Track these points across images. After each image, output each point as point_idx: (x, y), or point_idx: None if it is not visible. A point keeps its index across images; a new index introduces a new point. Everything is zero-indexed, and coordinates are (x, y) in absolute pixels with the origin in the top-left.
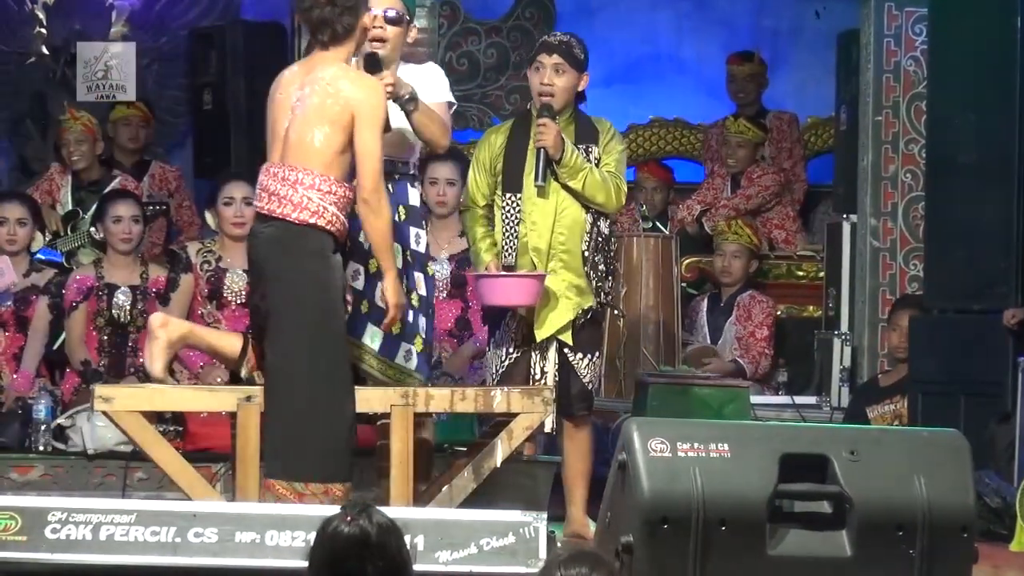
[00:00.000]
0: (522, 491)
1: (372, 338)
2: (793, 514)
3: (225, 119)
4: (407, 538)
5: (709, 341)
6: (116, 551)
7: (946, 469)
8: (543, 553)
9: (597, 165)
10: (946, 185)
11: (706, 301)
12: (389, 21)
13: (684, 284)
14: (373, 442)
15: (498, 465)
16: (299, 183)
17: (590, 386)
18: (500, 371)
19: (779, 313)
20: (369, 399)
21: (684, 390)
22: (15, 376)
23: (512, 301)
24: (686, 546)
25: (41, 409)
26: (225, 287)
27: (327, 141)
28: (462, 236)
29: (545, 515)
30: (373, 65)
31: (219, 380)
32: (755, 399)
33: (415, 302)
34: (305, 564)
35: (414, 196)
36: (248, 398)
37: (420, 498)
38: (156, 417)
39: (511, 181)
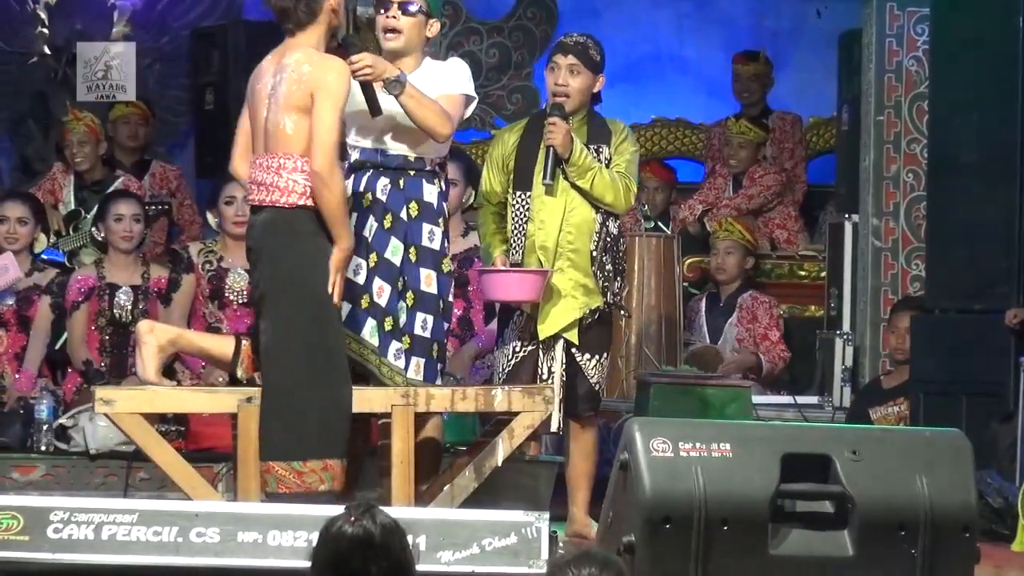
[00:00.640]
0: (524, 491)
1: (371, 334)
2: (795, 514)
3: (227, 119)
4: (409, 538)
5: (709, 341)
6: (118, 551)
7: (948, 469)
8: (545, 553)
9: (608, 165)
10: (948, 185)
11: (704, 301)
12: (403, 12)
13: (686, 284)
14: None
15: (499, 464)
16: (282, 168)
17: (597, 387)
18: (507, 369)
19: (781, 313)
20: (370, 399)
21: (686, 390)
22: (17, 376)
23: (514, 296)
24: (688, 546)
25: (43, 409)
26: (227, 287)
27: (297, 127)
28: (465, 235)
29: (547, 515)
30: (348, 46)
31: (221, 380)
32: (757, 399)
33: (410, 300)
34: (308, 564)
35: (430, 192)
36: (249, 399)
37: (422, 498)
38: (158, 417)
39: (522, 179)
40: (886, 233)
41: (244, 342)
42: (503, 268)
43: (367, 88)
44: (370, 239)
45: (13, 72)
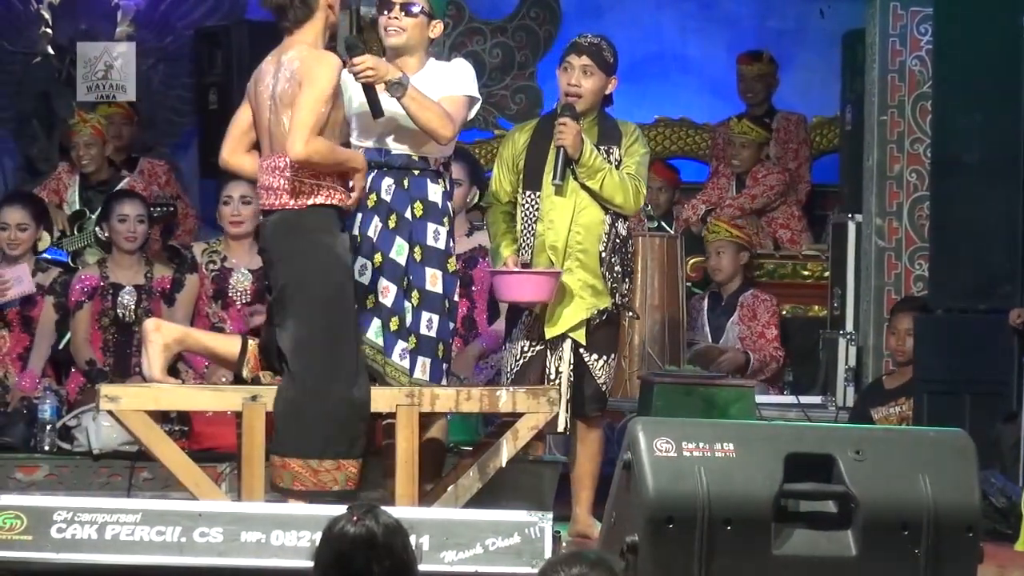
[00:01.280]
0: (527, 491)
1: (377, 334)
2: (798, 514)
3: (231, 119)
4: (412, 538)
5: (711, 340)
6: (121, 551)
7: (951, 469)
8: (548, 553)
9: (618, 167)
10: (951, 185)
11: (706, 300)
12: (406, 12)
13: (689, 284)
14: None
15: (503, 465)
16: (288, 167)
17: (604, 387)
18: (515, 369)
19: (784, 313)
20: (375, 399)
21: (689, 390)
22: (21, 376)
23: (526, 297)
24: (691, 546)
25: (46, 409)
26: (230, 287)
27: None
28: (470, 235)
29: (550, 515)
30: (350, 48)
31: (224, 380)
32: (760, 399)
33: (415, 300)
34: (311, 564)
35: (434, 192)
36: (253, 398)
37: (426, 498)
38: (161, 417)
39: (531, 179)
40: (889, 233)
41: (250, 342)
42: (515, 269)
43: (369, 90)
44: (375, 239)
45: (17, 72)
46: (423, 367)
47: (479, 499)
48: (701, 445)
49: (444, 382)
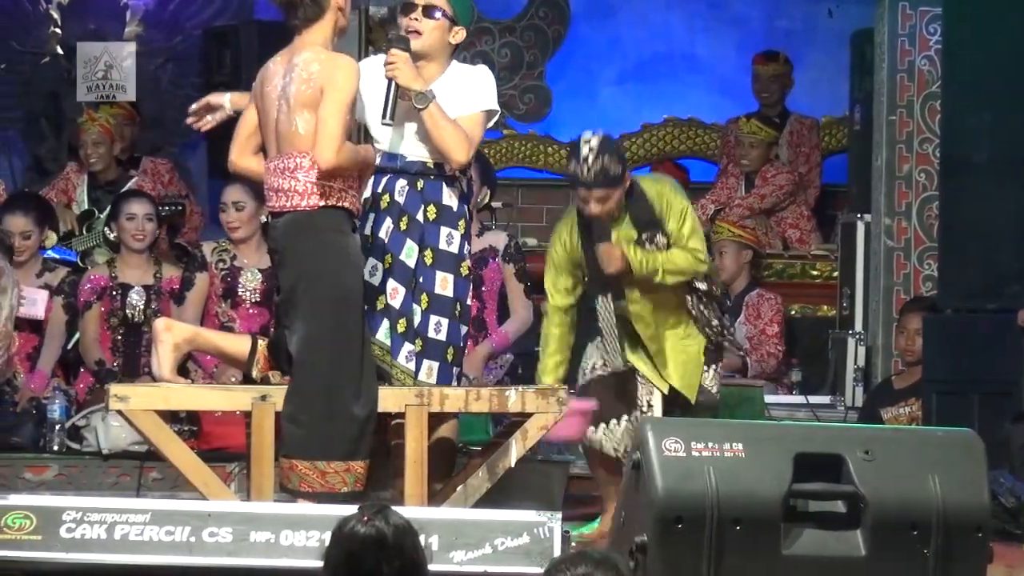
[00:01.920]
0: (537, 491)
1: (385, 335)
2: (807, 513)
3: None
4: (422, 538)
5: None
6: (131, 551)
7: (960, 469)
8: (557, 553)
9: (670, 241)
10: (960, 184)
11: None
12: (426, 15)
13: None
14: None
15: (512, 465)
16: (299, 169)
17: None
18: (580, 383)
19: (793, 312)
20: (384, 399)
21: None
22: (30, 376)
23: (557, 435)
24: (700, 546)
25: (56, 409)
26: (240, 286)
27: (309, 126)
28: (481, 235)
29: (559, 515)
30: (395, 41)
31: (233, 379)
32: (769, 399)
33: (424, 303)
34: (321, 564)
35: (449, 196)
36: (263, 397)
37: (435, 498)
38: (170, 417)
39: (598, 285)
40: (898, 232)
41: (260, 342)
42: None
43: (389, 91)
44: (386, 241)
45: (26, 72)
46: (429, 370)
47: (488, 499)
48: (710, 445)
49: (454, 384)
